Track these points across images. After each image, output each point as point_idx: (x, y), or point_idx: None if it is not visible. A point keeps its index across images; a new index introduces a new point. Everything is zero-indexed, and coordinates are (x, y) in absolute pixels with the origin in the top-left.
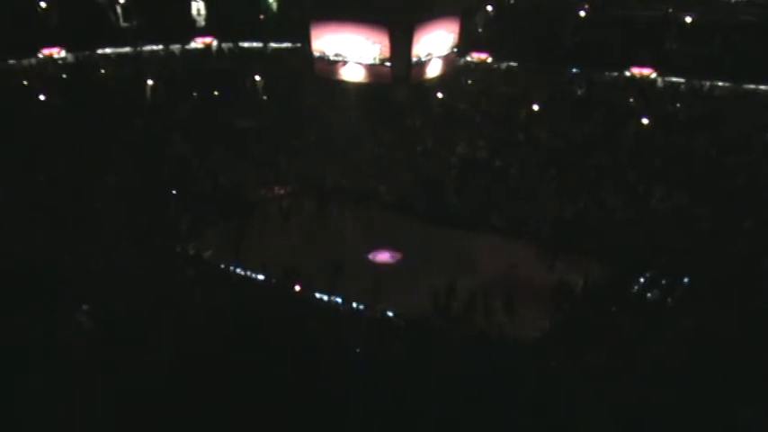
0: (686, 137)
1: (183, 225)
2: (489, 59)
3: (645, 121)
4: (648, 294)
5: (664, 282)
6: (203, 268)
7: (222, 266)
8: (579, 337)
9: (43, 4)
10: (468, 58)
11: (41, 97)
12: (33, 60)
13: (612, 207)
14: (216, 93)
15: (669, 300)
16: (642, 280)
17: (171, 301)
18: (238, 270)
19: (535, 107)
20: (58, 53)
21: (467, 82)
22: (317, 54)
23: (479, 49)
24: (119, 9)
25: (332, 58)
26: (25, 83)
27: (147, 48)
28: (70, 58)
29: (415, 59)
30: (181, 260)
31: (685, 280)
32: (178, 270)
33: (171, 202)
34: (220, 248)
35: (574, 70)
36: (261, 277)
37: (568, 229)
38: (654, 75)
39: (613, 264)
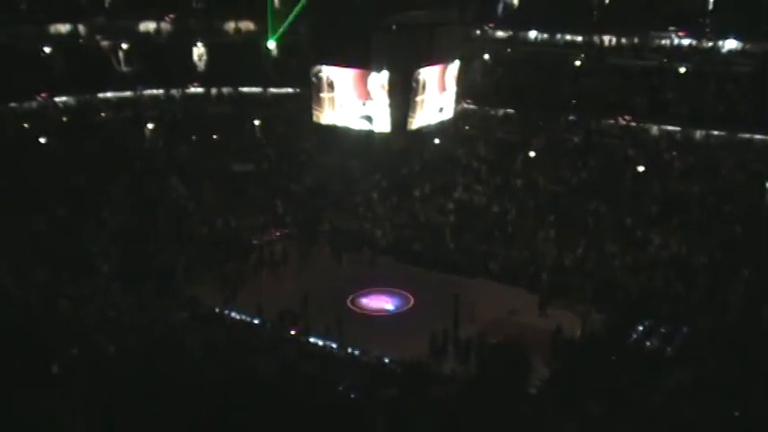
0: (682, 185)
1: (180, 268)
2: (486, 106)
3: (641, 168)
4: (647, 343)
5: (663, 331)
6: (199, 312)
7: (217, 310)
8: (578, 386)
9: (47, 49)
10: (466, 105)
11: (42, 140)
12: (34, 104)
13: (610, 254)
14: (215, 136)
15: (668, 349)
16: (641, 328)
17: (166, 344)
18: (234, 314)
19: (532, 153)
20: (59, 97)
21: (464, 127)
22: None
23: (477, 96)
24: (121, 54)
25: None
26: (26, 126)
27: (148, 92)
28: (71, 101)
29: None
30: (176, 304)
31: (684, 329)
32: (173, 314)
33: (168, 246)
34: (216, 292)
35: (571, 117)
36: (256, 321)
37: (566, 275)
38: (649, 123)
39: (612, 311)
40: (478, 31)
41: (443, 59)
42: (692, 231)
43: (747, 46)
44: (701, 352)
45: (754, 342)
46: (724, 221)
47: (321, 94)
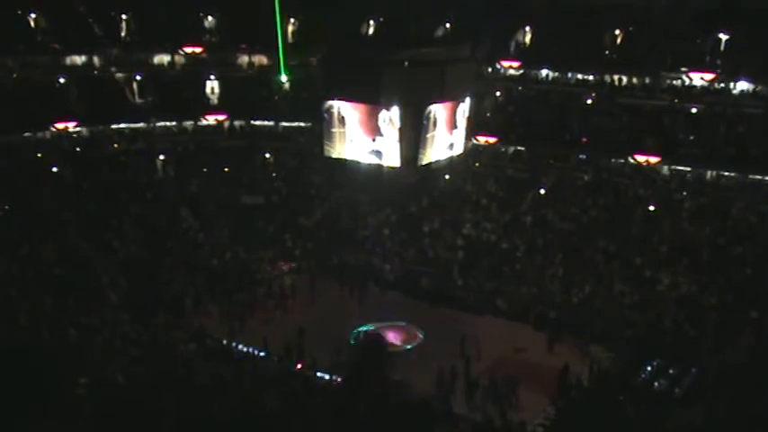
0: (693, 225)
1: (188, 299)
2: (497, 143)
3: (651, 208)
4: (656, 384)
5: (672, 371)
6: (206, 344)
7: (225, 342)
8: (584, 426)
9: (62, 80)
10: (476, 141)
11: (54, 169)
12: (48, 134)
13: (619, 292)
14: (226, 169)
15: (677, 390)
16: (650, 368)
17: (173, 376)
18: (241, 347)
19: (542, 191)
20: (72, 127)
21: (474, 164)
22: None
23: (487, 133)
24: (135, 86)
25: None
26: (39, 155)
27: (161, 124)
28: (85, 132)
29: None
30: (185, 335)
31: (693, 370)
32: (180, 345)
33: (177, 277)
34: (224, 324)
35: (581, 156)
36: (263, 354)
37: (575, 313)
38: (660, 163)
39: (621, 351)
40: (490, 69)
41: (455, 96)
42: (702, 272)
43: (759, 88)
44: (710, 393)
45: (763, 383)
46: (734, 263)
47: (332, 129)
